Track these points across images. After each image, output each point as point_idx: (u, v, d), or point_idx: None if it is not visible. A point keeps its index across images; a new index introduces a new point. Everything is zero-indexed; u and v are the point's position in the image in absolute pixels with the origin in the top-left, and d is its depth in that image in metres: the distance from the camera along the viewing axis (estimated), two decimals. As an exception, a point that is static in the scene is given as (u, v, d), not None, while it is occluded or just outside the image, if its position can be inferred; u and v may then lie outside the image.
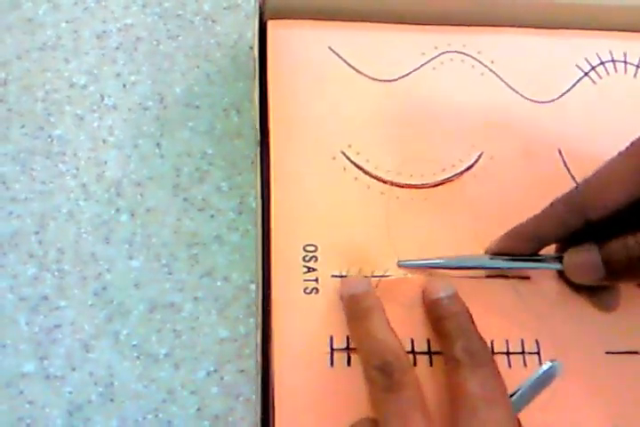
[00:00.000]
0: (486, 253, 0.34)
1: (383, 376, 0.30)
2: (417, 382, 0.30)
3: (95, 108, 0.38)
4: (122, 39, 0.40)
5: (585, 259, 0.31)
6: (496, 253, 0.34)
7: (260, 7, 0.38)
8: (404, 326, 0.32)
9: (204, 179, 0.37)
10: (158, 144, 0.37)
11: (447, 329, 0.31)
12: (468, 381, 0.29)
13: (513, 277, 0.34)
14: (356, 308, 0.32)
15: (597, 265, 0.31)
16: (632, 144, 0.31)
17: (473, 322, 0.32)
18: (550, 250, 0.34)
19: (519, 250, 0.33)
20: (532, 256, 0.33)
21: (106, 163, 0.37)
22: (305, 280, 0.33)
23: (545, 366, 0.30)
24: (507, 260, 0.33)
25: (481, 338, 0.31)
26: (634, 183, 0.30)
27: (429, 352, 0.33)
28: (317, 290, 0.33)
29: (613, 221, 0.31)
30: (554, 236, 0.33)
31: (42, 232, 0.35)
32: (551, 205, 0.33)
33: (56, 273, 0.35)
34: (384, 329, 0.31)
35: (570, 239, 0.32)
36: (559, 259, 0.33)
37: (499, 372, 0.30)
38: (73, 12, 0.40)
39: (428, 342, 0.33)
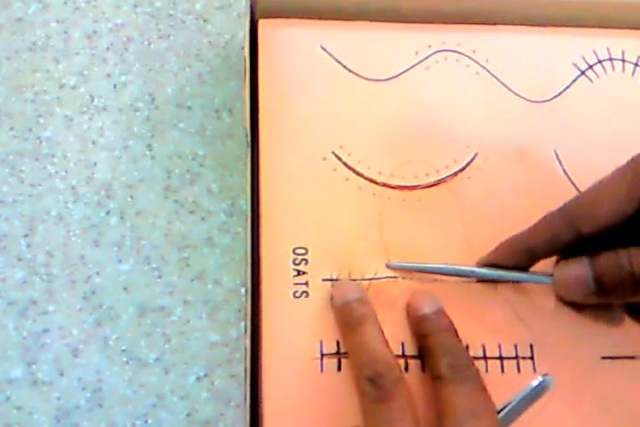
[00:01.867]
0: (477, 265, 0.33)
1: (374, 388, 0.29)
2: (408, 393, 0.29)
3: (85, 110, 0.37)
4: (112, 39, 0.39)
5: (575, 272, 0.30)
6: (487, 265, 0.33)
7: (252, 6, 0.37)
8: (395, 330, 0.32)
9: (194, 181, 0.36)
10: (149, 145, 0.37)
11: (432, 346, 0.31)
12: (454, 395, 0.29)
13: (506, 282, 0.34)
14: (350, 316, 0.32)
15: (587, 279, 0.30)
16: (631, 160, 0.31)
17: (458, 338, 0.31)
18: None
19: (509, 262, 0.32)
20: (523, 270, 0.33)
21: (95, 164, 0.36)
22: (295, 284, 0.33)
23: (535, 382, 0.29)
24: (497, 270, 0.33)
25: (466, 353, 0.31)
26: (626, 199, 0.30)
27: (421, 356, 0.32)
28: (307, 294, 0.33)
29: (607, 238, 0.30)
30: (545, 249, 0.32)
31: (30, 235, 0.35)
32: (544, 216, 0.32)
33: (45, 277, 0.34)
34: (377, 339, 0.31)
35: (563, 255, 0.32)
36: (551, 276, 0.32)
37: (484, 386, 0.30)
38: (63, 12, 0.39)
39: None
